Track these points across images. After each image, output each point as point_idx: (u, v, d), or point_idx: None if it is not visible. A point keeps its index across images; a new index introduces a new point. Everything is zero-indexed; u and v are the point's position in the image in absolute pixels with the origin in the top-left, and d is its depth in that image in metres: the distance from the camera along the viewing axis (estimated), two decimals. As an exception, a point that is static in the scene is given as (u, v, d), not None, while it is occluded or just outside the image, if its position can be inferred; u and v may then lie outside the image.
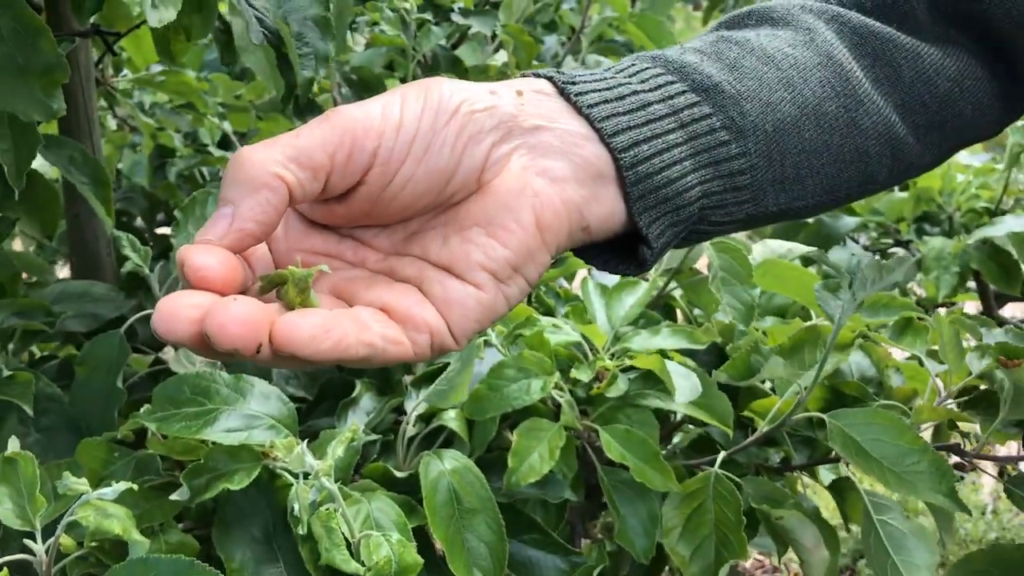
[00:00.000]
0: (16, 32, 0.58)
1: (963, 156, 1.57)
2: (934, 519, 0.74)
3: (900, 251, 1.57)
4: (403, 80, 1.09)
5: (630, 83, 0.48)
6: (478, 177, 0.43)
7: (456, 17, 1.02)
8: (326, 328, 0.37)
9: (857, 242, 1.58)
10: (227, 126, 1.21)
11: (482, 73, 1.07)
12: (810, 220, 1.51)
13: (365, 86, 1.01)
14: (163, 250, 0.97)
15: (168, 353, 0.94)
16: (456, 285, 0.42)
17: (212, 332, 0.35)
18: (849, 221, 1.51)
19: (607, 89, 0.47)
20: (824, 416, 0.70)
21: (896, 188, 1.56)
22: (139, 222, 1.19)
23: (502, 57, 1.28)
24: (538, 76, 0.47)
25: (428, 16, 0.96)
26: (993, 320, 1.57)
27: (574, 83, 0.46)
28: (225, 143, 1.25)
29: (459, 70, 1.05)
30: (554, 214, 0.44)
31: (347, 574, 0.58)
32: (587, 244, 0.48)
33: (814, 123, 0.53)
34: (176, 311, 0.36)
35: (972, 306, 1.88)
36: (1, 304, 0.81)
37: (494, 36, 1.31)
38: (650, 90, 0.48)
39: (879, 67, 0.57)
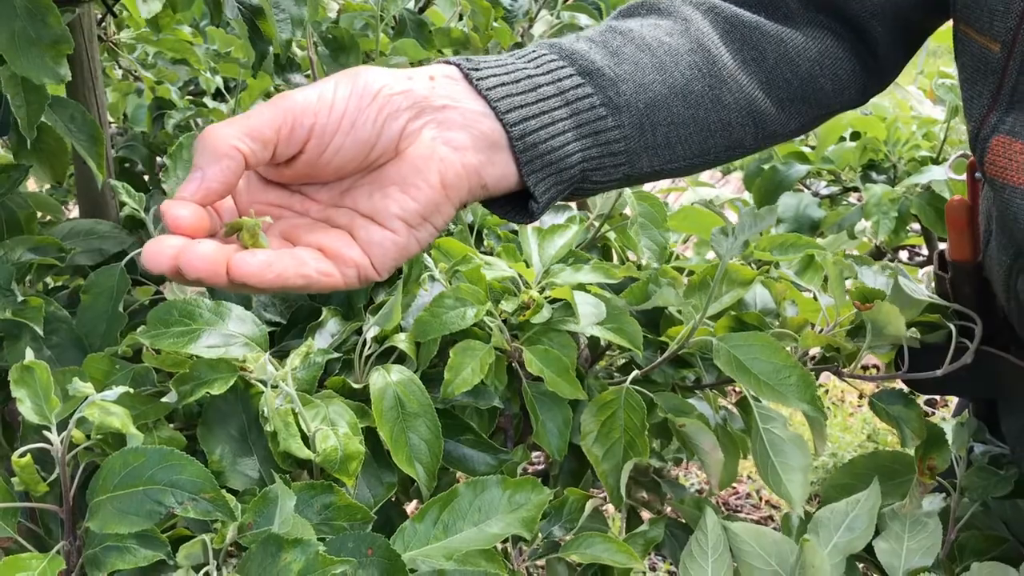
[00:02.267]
0: (29, 10, 0.70)
1: (912, 107, 1.67)
2: (810, 428, 0.87)
3: (851, 197, 1.68)
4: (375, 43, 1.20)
5: (526, 68, 0.60)
6: (395, 146, 0.54)
7: (422, -16, 1.13)
8: (269, 264, 0.50)
9: (809, 188, 1.70)
10: (219, 80, 1.32)
11: (446, 36, 1.18)
12: (765, 167, 1.62)
13: (340, 46, 1.11)
14: (162, 192, 1.08)
15: (166, 286, 1.06)
16: (377, 230, 0.54)
17: (183, 265, 0.48)
18: (801, 169, 1.62)
19: (505, 74, 0.59)
20: (712, 339, 0.82)
21: (848, 138, 1.67)
22: (140, 167, 1.31)
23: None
24: (449, 63, 0.59)
25: (393, -15, 1.07)
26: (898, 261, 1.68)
27: (478, 69, 0.58)
28: (219, 95, 1.37)
29: (424, 32, 1.15)
30: (456, 175, 0.55)
31: (302, 460, 0.71)
32: (488, 198, 0.60)
33: (682, 100, 0.64)
34: (159, 250, 0.48)
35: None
36: (19, 241, 0.94)
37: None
38: (542, 74, 0.60)
39: (746, 50, 0.68)
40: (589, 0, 1.63)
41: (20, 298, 0.90)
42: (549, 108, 0.59)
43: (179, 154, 1.00)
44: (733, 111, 0.67)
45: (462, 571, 0.72)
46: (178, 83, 1.54)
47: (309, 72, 1.21)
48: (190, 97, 1.39)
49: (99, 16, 1.25)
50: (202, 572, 0.68)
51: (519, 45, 1.55)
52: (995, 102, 0.63)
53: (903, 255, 2.10)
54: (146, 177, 1.29)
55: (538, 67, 0.60)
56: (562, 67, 0.60)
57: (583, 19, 1.63)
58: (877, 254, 1.93)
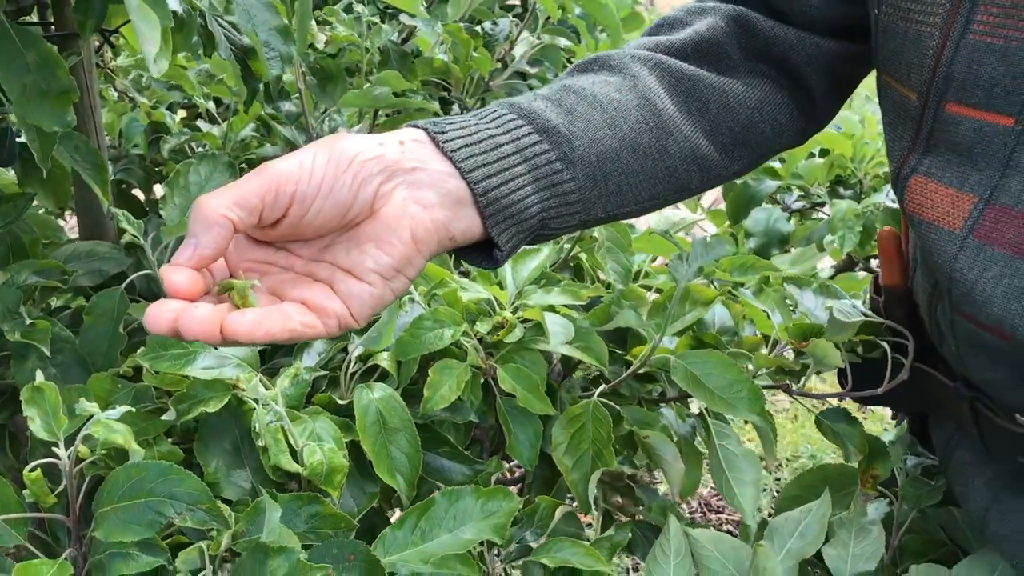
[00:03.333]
0: (39, 64, 0.76)
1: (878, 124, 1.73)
2: (759, 438, 0.93)
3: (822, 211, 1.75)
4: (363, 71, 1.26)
5: (488, 128, 0.65)
6: (370, 206, 0.60)
7: (404, 18, 1.19)
8: (258, 322, 0.55)
9: (779, 203, 1.76)
10: (211, 105, 1.38)
11: (428, 65, 1.24)
12: (737, 181, 1.69)
13: (327, 75, 1.18)
14: (159, 217, 1.13)
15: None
16: (355, 283, 0.59)
17: (182, 328, 0.53)
18: (771, 184, 1.69)
19: (469, 135, 0.64)
20: (671, 356, 0.89)
21: (817, 154, 1.74)
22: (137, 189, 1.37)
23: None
24: (417, 127, 0.64)
25: (376, 19, 1.13)
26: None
27: (443, 132, 0.63)
28: (212, 119, 1.43)
29: (407, 63, 1.22)
30: (425, 231, 0.61)
31: (291, 473, 0.77)
32: (456, 248, 0.65)
33: (631, 152, 0.70)
34: (159, 314, 0.54)
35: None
36: (24, 265, 1.00)
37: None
38: (502, 133, 0.65)
39: (690, 102, 0.74)
40: (567, 24, 1.69)
41: (28, 321, 0.96)
42: (509, 165, 0.64)
43: (176, 182, 1.06)
44: (679, 159, 0.73)
45: (438, 574, 0.78)
46: (167, 102, 1.59)
47: (298, 97, 1.28)
48: (184, 119, 1.45)
49: (96, 44, 1.31)
50: (199, 576, 0.74)
51: (504, 66, 1.62)
52: (914, 145, 0.70)
53: (874, 263, 2.16)
54: (143, 198, 1.36)
55: (499, 127, 0.65)
56: (521, 126, 0.66)
57: (562, 41, 1.69)
58: (849, 263, 2.00)
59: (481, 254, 0.67)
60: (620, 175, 0.69)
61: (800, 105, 0.80)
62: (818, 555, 0.90)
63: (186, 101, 1.64)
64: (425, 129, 0.63)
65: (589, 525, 1.36)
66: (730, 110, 0.76)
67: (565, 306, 0.96)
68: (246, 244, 0.61)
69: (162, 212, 1.05)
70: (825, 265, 2.15)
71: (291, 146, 1.33)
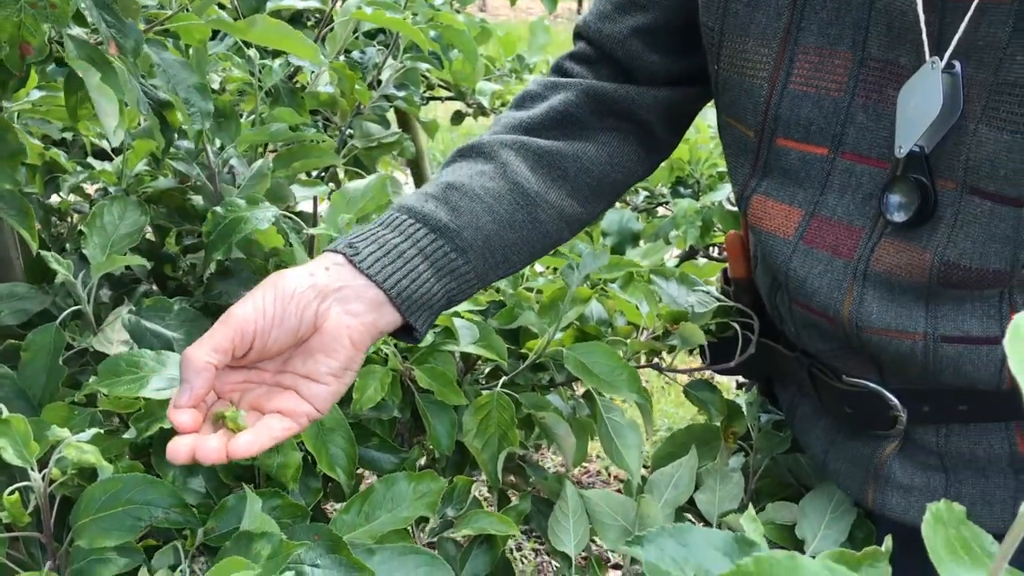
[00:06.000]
0: (-8, 129, 0.85)
1: (710, 126, 1.96)
2: (640, 412, 1.11)
3: (661, 210, 1.95)
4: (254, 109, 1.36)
5: (392, 237, 0.82)
6: (314, 324, 0.77)
7: (292, 58, 1.30)
8: (252, 442, 0.73)
9: (628, 204, 1.96)
10: (105, 144, 1.45)
11: (315, 99, 1.35)
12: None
13: (223, 114, 1.28)
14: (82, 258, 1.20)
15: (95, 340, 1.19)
16: (315, 385, 0.77)
17: (200, 457, 0.71)
18: (621, 188, 1.88)
19: (378, 248, 0.80)
20: (563, 348, 1.05)
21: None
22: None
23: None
24: (336, 252, 0.80)
25: (268, 61, 1.24)
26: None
27: (358, 253, 0.80)
28: (102, 155, 1.49)
29: (297, 99, 1.33)
30: (360, 334, 0.78)
31: (238, 475, 0.89)
32: (386, 334, 0.81)
33: (509, 229, 0.87)
34: (178, 449, 0.72)
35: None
36: (-45, 309, 1.06)
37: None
38: (404, 239, 0.82)
39: (552, 172, 0.91)
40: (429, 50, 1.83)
41: (-33, 360, 1.03)
42: (413, 267, 0.81)
43: (93, 223, 1.15)
44: (549, 224, 0.90)
45: (383, 547, 0.91)
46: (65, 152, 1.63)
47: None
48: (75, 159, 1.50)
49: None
50: (177, 571, 0.85)
51: (371, 87, 1.74)
52: (753, 171, 0.88)
53: (714, 251, 2.40)
54: (43, 236, 1.41)
55: (400, 233, 0.82)
56: (419, 228, 0.82)
57: (423, 65, 1.83)
58: (691, 253, 2.23)
59: (406, 335, 0.84)
60: (504, 249, 0.86)
61: (646, 145, 0.97)
62: (691, 501, 1.08)
63: (60, 139, 1.68)
64: (343, 253, 0.79)
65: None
66: (586, 171, 0.93)
67: (468, 311, 1.10)
68: (225, 372, 0.77)
69: (85, 251, 1.13)
70: (670, 256, 2.37)
71: (183, 177, 1.42)
